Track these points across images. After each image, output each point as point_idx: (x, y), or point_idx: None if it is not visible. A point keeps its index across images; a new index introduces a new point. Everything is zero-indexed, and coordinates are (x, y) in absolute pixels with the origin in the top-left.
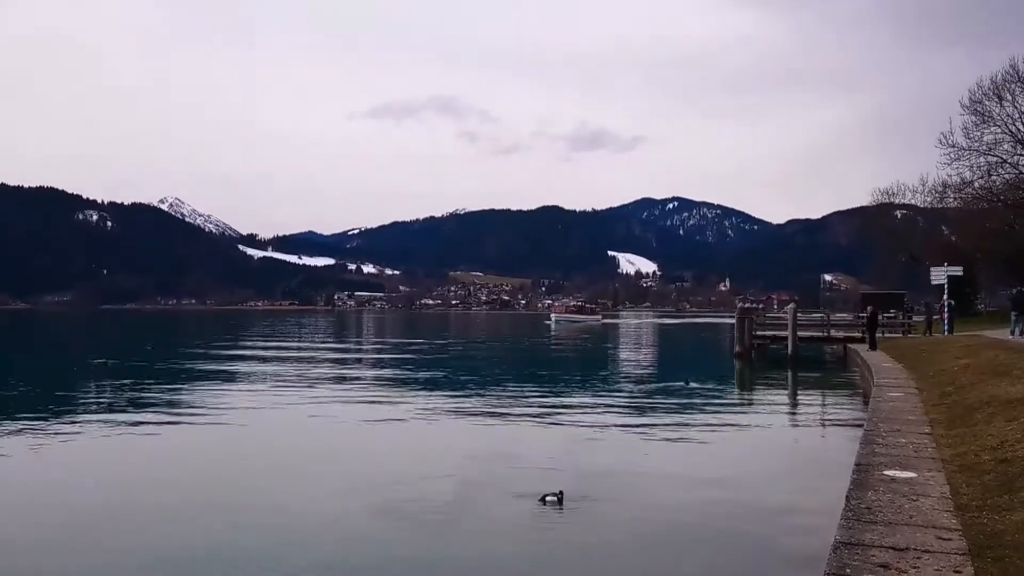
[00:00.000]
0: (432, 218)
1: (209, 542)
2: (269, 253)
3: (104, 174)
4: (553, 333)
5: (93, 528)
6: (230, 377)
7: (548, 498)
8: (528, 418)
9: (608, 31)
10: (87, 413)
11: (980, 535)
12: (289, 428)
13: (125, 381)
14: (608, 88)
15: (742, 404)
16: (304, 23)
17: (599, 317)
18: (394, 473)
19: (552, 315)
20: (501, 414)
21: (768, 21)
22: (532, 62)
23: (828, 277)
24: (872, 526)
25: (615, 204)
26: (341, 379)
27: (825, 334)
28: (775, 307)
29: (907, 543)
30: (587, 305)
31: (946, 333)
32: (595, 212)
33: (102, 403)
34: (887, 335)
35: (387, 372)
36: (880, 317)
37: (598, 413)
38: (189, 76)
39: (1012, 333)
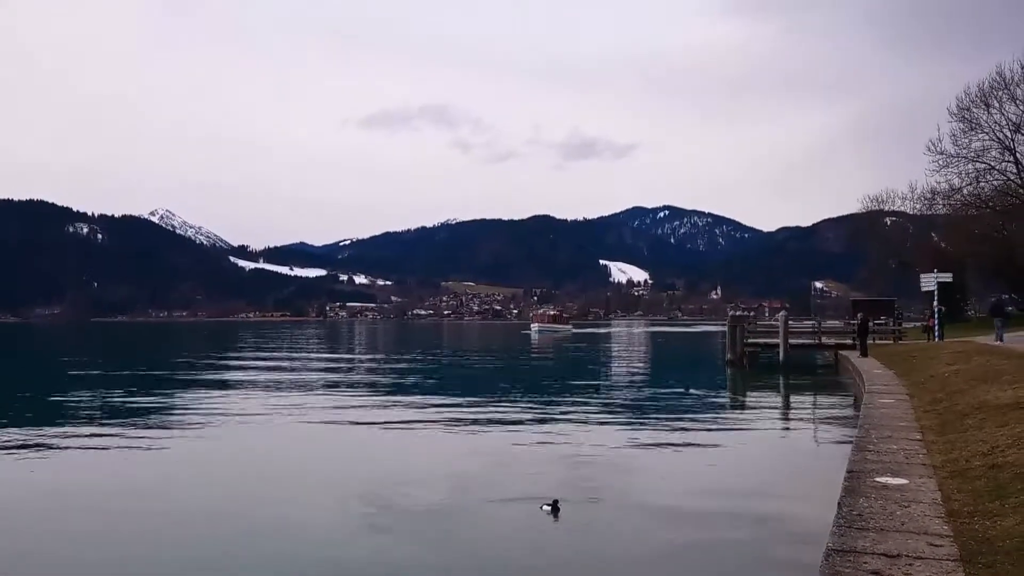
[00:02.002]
0: (424, 228)
1: (199, 554)
2: (260, 264)
3: (94, 186)
4: (534, 342)
5: (86, 540)
6: (219, 388)
7: (544, 507)
8: (521, 426)
9: (602, 39)
10: (68, 429)
11: (971, 541)
12: (278, 440)
13: (111, 394)
14: (602, 95)
15: (734, 412)
16: (296, 33)
17: (569, 327)
18: (387, 484)
19: (535, 324)
20: (493, 424)
21: (760, 30)
22: (526, 70)
23: (819, 284)
24: (864, 533)
25: (606, 213)
26: (330, 391)
27: (816, 341)
28: (766, 314)
29: (899, 550)
30: (561, 315)
31: (936, 339)
32: (586, 221)
33: (87, 417)
34: (878, 342)
35: (376, 383)
36: (871, 324)
37: (590, 422)
38: (179, 86)
39: (997, 339)
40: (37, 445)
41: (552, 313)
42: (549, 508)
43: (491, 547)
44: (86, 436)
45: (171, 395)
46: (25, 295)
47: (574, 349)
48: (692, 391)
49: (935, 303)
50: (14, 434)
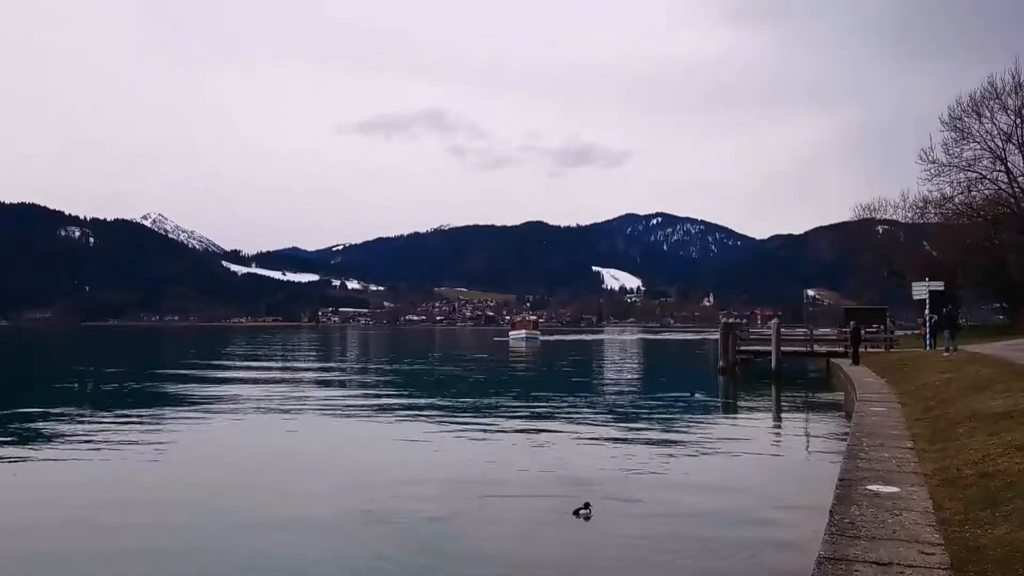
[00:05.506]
0: (417, 234)
1: (197, 557)
2: (253, 269)
3: (86, 189)
4: (513, 349)
5: (73, 545)
6: (212, 393)
7: (581, 512)
8: (514, 433)
9: (598, 47)
10: (52, 440)
11: (963, 549)
12: (273, 443)
13: (95, 402)
14: (597, 103)
15: (726, 419)
16: (290, 37)
17: (538, 333)
18: (404, 492)
19: (520, 331)
20: (482, 430)
21: (752, 38)
22: (522, 77)
23: (811, 292)
24: (856, 541)
25: (600, 220)
26: (327, 397)
27: (808, 349)
28: (759, 322)
29: (890, 558)
30: (538, 321)
31: (927, 348)
32: (579, 228)
33: (70, 426)
34: (870, 350)
35: (373, 391)
36: (863, 332)
37: (583, 428)
38: (173, 89)
39: (947, 349)
40: (19, 451)
41: (531, 320)
42: (586, 511)
43: (500, 549)
44: (68, 442)
45: (162, 400)
46: (16, 299)
47: (565, 359)
48: (698, 396)
49: (926, 312)
50: None
